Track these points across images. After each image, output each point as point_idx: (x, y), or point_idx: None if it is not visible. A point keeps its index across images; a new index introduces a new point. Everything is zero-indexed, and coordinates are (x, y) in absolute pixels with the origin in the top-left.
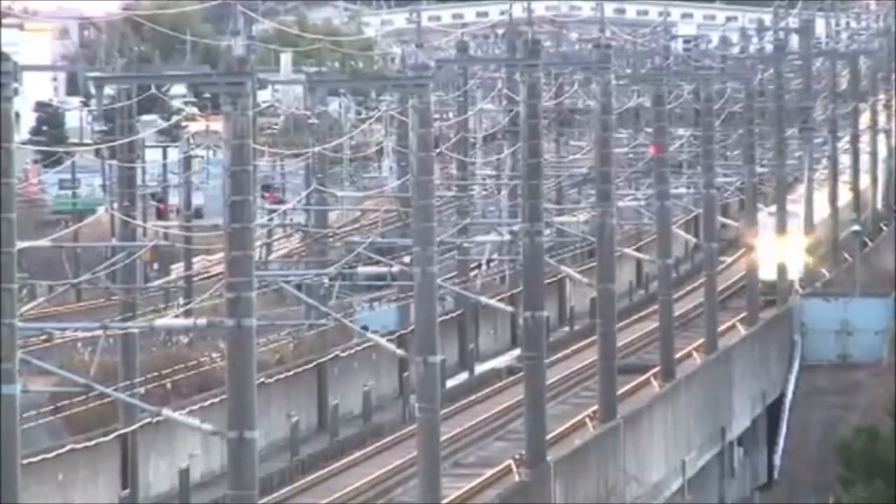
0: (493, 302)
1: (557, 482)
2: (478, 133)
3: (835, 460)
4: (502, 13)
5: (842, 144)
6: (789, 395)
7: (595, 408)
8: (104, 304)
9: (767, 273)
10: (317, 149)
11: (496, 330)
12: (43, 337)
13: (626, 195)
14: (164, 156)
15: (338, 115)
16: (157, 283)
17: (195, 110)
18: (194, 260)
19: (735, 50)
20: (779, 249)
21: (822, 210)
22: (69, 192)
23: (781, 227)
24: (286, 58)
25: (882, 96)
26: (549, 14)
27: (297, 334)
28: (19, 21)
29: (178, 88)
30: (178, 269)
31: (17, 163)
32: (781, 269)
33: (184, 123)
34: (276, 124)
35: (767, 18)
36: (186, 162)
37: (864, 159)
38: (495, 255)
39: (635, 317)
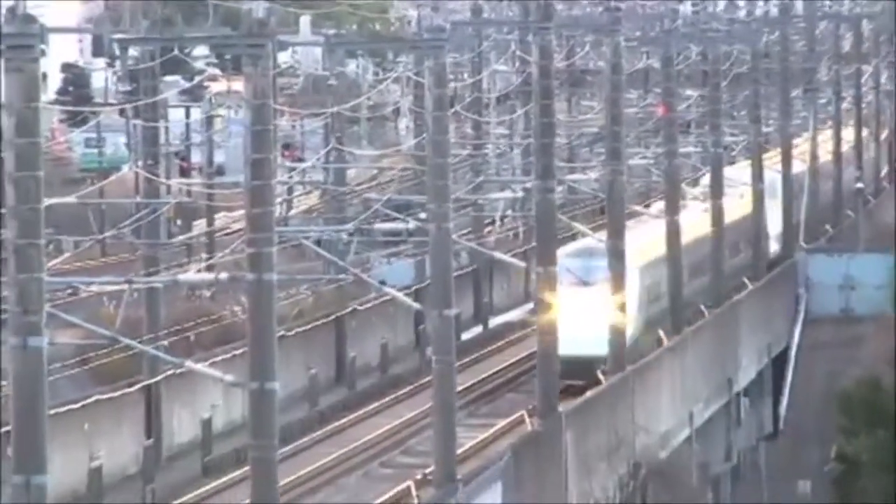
0: (506, 257)
1: (569, 432)
2: (491, 94)
3: (838, 411)
4: None
5: (845, 105)
6: (794, 348)
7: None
8: (129, 260)
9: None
10: (335, 109)
11: (510, 284)
12: (69, 291)
13: (635, 153)
14: (187, 115)
15: (356, 76)
16: (180, 238)
17: (217, 71)
18: (216, 216)
19: (742, 13)
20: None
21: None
22: (95, 151)
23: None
24: (305, 20)
25: (884, 58)
26: None
27: (316, 288)
28: None
29: (201, 50)
30: (200, 226)
31: (44, 122)
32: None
33: (206, 84)
34: (296, 85)
35: None
36: (208, 121)
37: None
38: (509, 212)
39: None
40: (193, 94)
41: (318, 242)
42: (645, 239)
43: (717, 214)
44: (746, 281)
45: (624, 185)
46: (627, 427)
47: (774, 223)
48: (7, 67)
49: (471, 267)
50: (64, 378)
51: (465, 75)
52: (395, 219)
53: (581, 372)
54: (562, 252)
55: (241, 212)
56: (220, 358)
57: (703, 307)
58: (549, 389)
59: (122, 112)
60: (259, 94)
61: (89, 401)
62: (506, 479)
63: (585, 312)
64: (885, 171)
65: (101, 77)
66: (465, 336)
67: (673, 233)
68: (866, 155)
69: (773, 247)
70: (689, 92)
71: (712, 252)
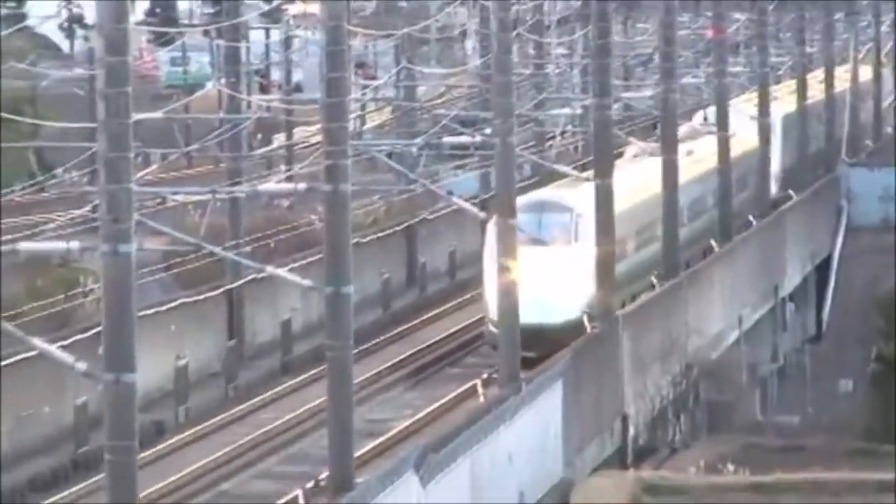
0: (566, 169)
1: (625, 334)
2: (552, 16)
3: (877, 315)
4: None
5: (884, 28)
6: (836, 256)
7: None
8: (212, 171)
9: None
10: (406, 30)
11: None
12: (157, 200)
13: (687, 73)
14: (267, 36)
15: None
16: (260, 151)
17: None
18: (294, 131)
19: None
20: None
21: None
22: (180, 69)
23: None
24: None
25: None
26: None
27: (388, 198)
28: None
29: None
30: (279, 139)
31: (133, 42)
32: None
33: (284, 7)
34: (369, 7)
35: None
36: (286, 42)
37: None
38: (568, 127)
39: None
40: (273, 17)
41: (390, 155)
42: (697, 153)
43: (765, 130)
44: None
45: (676, 102)
46: (680, 329)
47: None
48: None
49: (532, 178)
50: (152, 282)
51: None
52: (461, 133)
53: (536, 343)
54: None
55: (318, 126)
56: (298, 263)
57: (751, 218)
58: (606, 293)
59: (205, 33)
60: (334, 16)
61: (175, 304)
62: (566, 378)
63: (540, 276)
64: None
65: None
66: None
67: (723, 147)
68: None
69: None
70: (737, 15)
71: (759, 166)
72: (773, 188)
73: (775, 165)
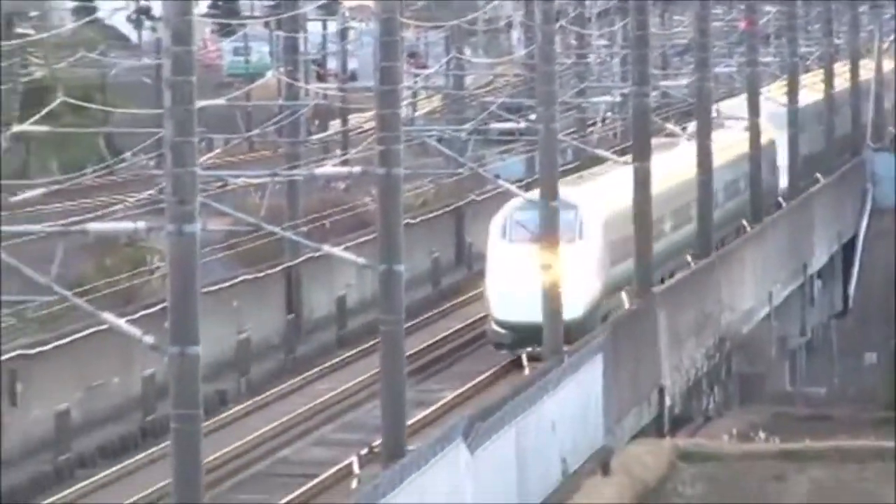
0: (606, 153)
1: (662, 310)
2: (593, 9)
3: None
4: None
5: None
6: (861, 236)
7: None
8: (272, 155)
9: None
10: (455, 22)
11: None
12: (220, 183)
13: (721, 62)
14: (324, 27)
15: None
16: (317, 137)
17: None
18: (349, 117)
19: None
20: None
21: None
22: (241, 59)
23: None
24: None
25: None
26: None
27: (437, 181)
28: None
29: None
30: (335, 125)
31: (198, 33)
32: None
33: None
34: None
35: None
36: (342, 33)
37: None
38: (608, 114)
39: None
40: (329, 9)
41: (440, 140)
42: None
43: (794, 117)
44: (819, 175)
45: (710, 90)
46: (714, 305)
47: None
48: None
49: (574, 163)
50: (215, 261)
51: None
52: (507, 120)
53: (534, 340)
54: (511, 204)
55: (372, 113)
56: (352, 242)
57: (780, 199)
58: (645, 270)
59: (266, 24)
60: (388, 8)
61: (237, 281)
62: (606, 352)
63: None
64: None
65: None
66: None
67: (754, 133)
68: None
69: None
70: (768, 7)
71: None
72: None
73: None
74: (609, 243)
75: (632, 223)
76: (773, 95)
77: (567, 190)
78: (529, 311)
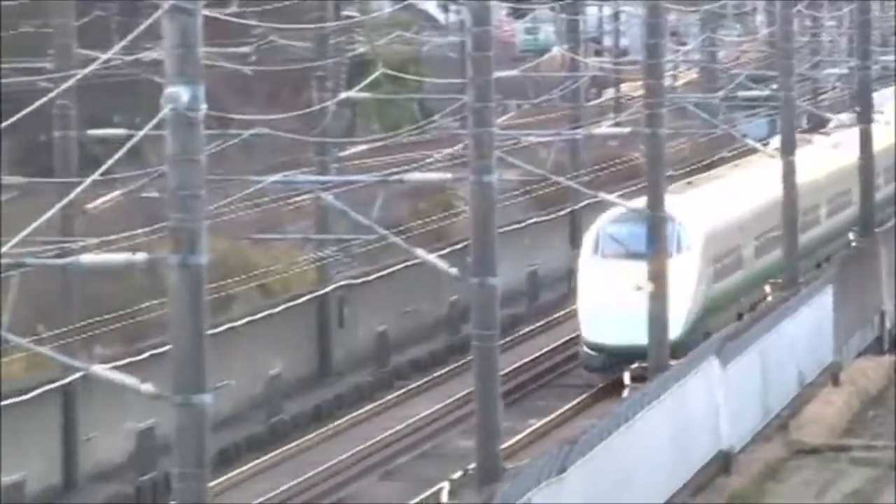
0: (836, 116)
1: (882, 247)
2: None
3: None
4: None
5: None
6: None
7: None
8: (556, 118)
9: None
10: (709, 6)
11: None
12: (513, 141)
13: None
14: (600, 11)
15: None
16: (594, 102)
17: None
18: (621, 86)
19: None
20: None
21: None
22: (532, 37)
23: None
24: None
25: None
26: None
27: (695, 140)
28: None
29: None
30: (609, 93)
31: (495, 15)
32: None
33: None
34: None
35: None
36: (616, 15)
37: None
38: (837, 84)
39: None
40: None
41: (697, 105)
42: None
43: None
44: None
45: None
46: None
47: None
48: None
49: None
50: (510, 206)
51: None
52: (753, 88)
53: (627, 364)
54: (605, 217)
55: (640, 83)
56: (623, 191)
57: None
58: (868, 210)
59: (552, 7)
60: None
61: (529, 222)
62: (836, 282)
63: (635, 293)
64: None
65: None
66: None
67: None
68: None
69: None
70: None
71: None
72: None
73: None
74: (711, 258)
75: (740, 234)
76: None
77: (668, 199)
78: (621, 333)
